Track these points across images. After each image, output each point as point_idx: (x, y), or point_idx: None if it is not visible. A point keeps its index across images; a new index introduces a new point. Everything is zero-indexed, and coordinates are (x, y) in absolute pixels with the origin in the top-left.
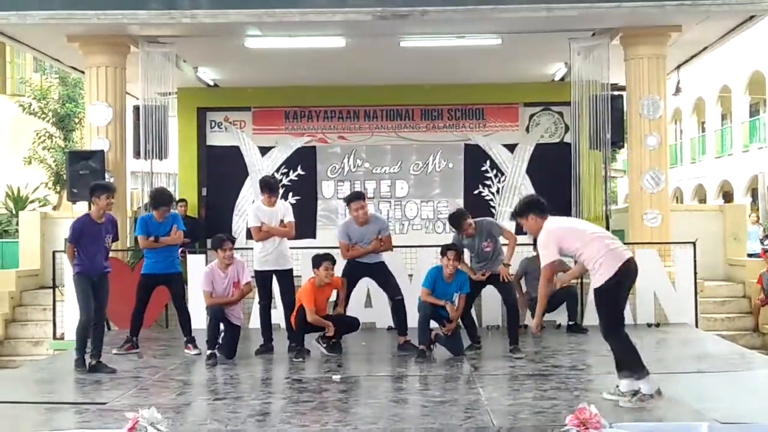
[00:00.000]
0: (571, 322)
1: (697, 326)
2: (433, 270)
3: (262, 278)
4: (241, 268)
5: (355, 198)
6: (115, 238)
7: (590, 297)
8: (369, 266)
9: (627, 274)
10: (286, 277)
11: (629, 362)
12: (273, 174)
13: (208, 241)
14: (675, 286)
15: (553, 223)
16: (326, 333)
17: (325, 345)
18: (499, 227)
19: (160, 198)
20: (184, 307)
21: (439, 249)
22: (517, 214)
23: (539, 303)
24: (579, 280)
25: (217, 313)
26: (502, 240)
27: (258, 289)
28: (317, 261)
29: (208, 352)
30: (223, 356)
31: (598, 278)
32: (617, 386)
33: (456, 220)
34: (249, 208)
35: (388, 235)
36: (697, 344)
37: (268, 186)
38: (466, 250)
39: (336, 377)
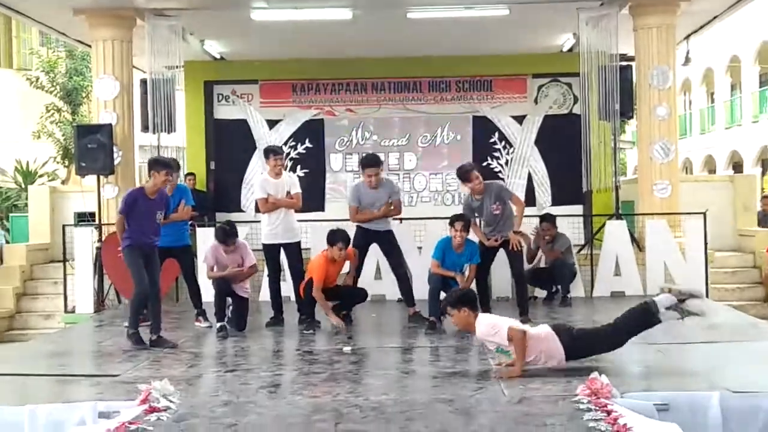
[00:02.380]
0: (562, 294)
1: (707, 296)
2: (442, 241)
3: (270, 251)
4: (245, 251)
5: (371, 164)
6: (167, 214)
7: (600, 269)
8: (377, 234)
9: (567, 336)
10: (294, 249)
11: (643, 322)
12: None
13: (217, 215)
14: (685, 257)
15: (488, 318)
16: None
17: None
18: (508, 192)
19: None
20: (193, 280)
21: (448, 221)
22: (450, 305)
23: (519, 354)
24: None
25: (222, 285)
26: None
27: (267, 263)
28: (332, 239)
29: (218, 324)
30: (234, 329)
31: (558, 358)
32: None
33: (464, 171)
34: (255, 179)
35: (398, 200)
36: (708, 314)
37: (273, 150)
38: (476, 215)
39: (347, 349)
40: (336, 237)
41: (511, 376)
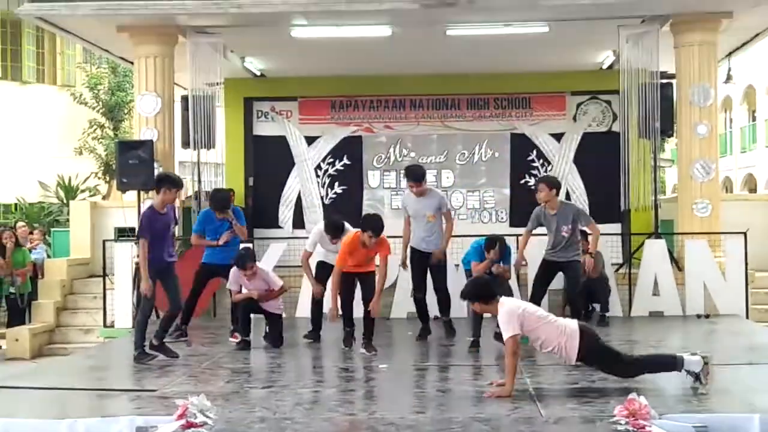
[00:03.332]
0: (601, 312)
1: (747, 317)
2: (475, 244)
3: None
4: (267, 276)
5: (411, 178)
6: (176, 222)
7: (638, 289)
8: (429, 254)
9: (590, 342)
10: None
11: (664, 366)
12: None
13: (255, 230)
14: (725, 277)
15: (512, 302)
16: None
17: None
18: (587, 217)
19: (216, 201)
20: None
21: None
22: (465, 298)
23: (510, 373)
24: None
25: (247, 303)
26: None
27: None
28: (364, 225)
29: (241, 339)
30: (271, 345)
31: (570, 357)
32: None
33: (545, 180)
34: (315, 229)
35: (448, 211)
36: (748, 335)
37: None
38: (544, 229)
39: (383, 366)
40: (367, 224)
41: (501, 396)
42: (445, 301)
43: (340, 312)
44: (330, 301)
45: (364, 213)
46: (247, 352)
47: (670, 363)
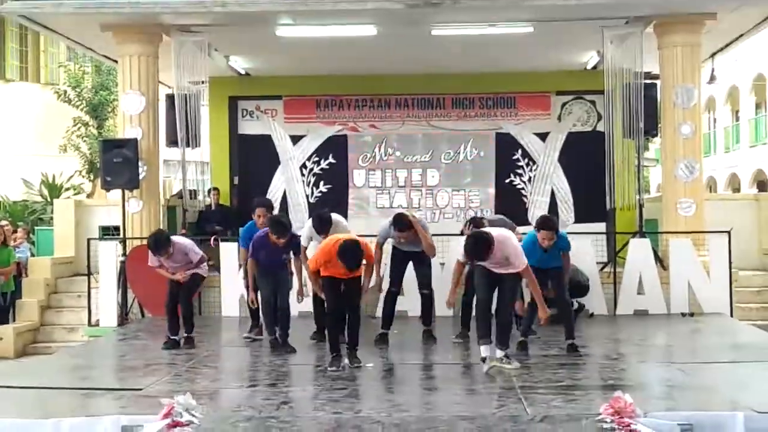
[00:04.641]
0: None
1: (731, 316)
2: (528, 240)
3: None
4: (185, 248)
5: (396, 227)
6: None
7: (623, 287)
8: (414, 253)
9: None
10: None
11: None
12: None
13: (240, 230)
14: (709, 276)
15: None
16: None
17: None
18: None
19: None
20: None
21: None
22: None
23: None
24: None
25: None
26: None
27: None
28: (340, 256)
29: (168, 338)
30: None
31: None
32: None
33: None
34: (306, 224)
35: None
36: (732, 334)
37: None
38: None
39: (369, 365)
40: (342, 256)
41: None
42: (428, 307)
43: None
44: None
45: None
46: (234, 351)
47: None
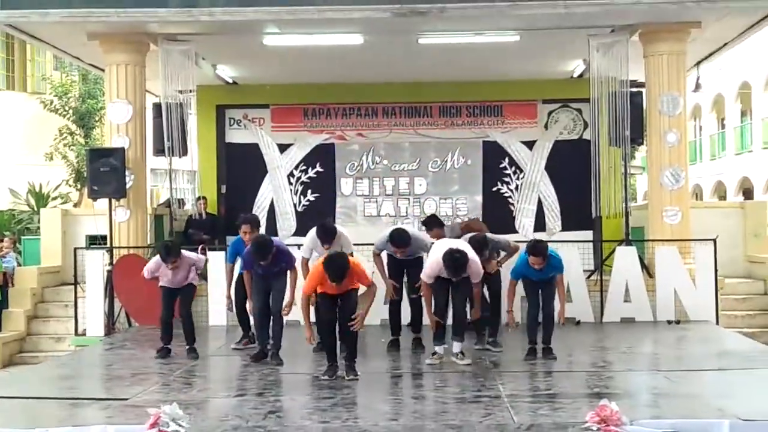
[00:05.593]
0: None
1: (717, 323)
2: (520, 261)
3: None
4: (190, 260)
5: (394, 244)
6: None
7: (610, 295)
8: (408, 261)
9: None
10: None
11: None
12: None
13: (228, 238)
14: (695, 283)
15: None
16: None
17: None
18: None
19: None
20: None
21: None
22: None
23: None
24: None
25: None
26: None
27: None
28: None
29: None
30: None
31: None
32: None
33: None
34: (309, 235)
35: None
36: (718, 341)
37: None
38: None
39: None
40: (327, 268)
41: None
42: (417, 315)
43: (317, 338)
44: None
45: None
46: (220, 361)
47: None
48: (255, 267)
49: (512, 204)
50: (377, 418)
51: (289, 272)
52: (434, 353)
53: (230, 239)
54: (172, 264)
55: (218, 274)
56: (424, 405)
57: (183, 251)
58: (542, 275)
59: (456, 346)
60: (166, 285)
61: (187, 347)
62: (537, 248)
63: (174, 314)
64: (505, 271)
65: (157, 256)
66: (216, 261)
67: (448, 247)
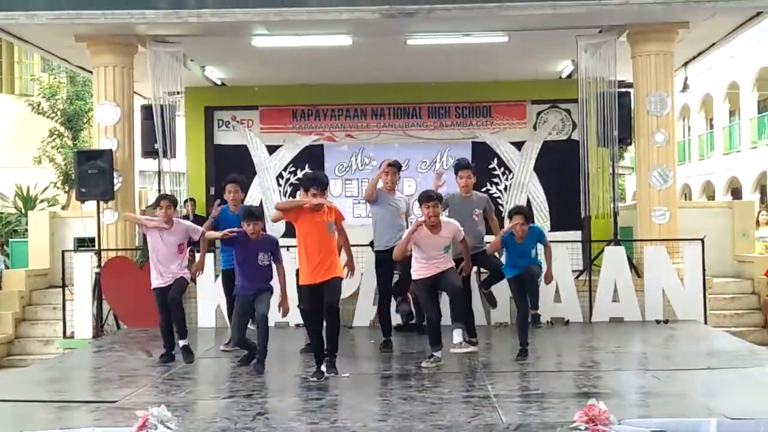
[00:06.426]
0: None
1: (705, 323)
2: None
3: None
4: (184, 226)
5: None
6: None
7: (598, 295)
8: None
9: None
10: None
11: None
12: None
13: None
14: (683, 283)
15: None
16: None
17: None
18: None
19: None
20: None
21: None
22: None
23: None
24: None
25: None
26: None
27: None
28: (306, 182)
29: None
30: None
31: None
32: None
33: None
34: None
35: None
36: (706, 341)
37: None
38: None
39: (345, 375)
40: (308, 182)
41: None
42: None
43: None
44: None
45: None
46: (208, 363)
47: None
48: (242, 245)
49: (501, 204)
50: (366, 419)
51: (276, 268)
52: (431, 356)
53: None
54: (165, 208)
55: (207, 275)
56: (412, 405)
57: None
58: (523, 246)
59: (456, 335)
60: (158, 285)
61: (181, 345)
62: (519, 207)
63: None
64: None
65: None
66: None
67: None
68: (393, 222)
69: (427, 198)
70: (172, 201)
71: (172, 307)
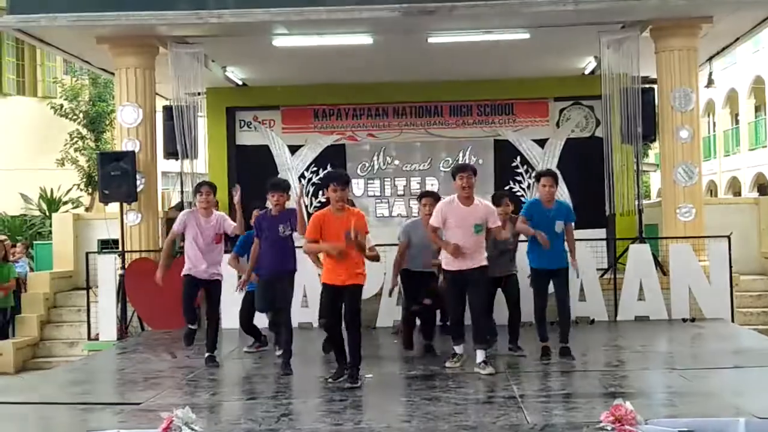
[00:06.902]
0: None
1: (733, 321)
2: (529, 201)
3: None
4: (223, 221)
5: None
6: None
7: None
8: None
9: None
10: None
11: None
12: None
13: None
14: (710, 281)
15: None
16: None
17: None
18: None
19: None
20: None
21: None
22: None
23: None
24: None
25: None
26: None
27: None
28: (327, 179)
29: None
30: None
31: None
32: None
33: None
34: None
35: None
36: (734, 339)
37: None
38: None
39: (368, 376)
40: (328, 178)
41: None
42: (430, 320)
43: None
44: None
45: None
46: (232, 364)
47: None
48: (263, 231)
49: (524, 203)
50: (390, 420)
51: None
52: (454, 354)
53: None
54: (205, 194)
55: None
56: (437, 406)
57: None
58: (551, 214)
59: (479, 355)
60: (190, 273)
61: (207, 355)
62: (549, 169)
63: (196, 302)
64: (522, 277)
65: (185, 210)
66: (224, 263)
67: None
68: (428, 244)
69: (462, 167)
70: (212, 187)
71: (208, 321)
